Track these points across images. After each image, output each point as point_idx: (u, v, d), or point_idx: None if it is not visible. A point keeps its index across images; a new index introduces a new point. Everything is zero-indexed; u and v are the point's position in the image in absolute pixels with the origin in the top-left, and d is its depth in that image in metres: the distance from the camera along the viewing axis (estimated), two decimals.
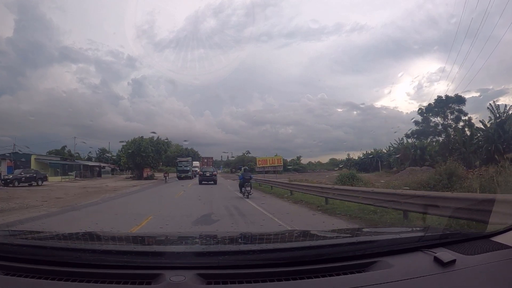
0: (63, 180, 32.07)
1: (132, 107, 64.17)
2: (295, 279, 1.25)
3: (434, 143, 33.24)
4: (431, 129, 32.40)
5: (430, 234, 1.70)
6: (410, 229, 2.16)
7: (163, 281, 1.20)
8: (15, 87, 61.10)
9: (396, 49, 70.73)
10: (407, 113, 62.35)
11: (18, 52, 60.23)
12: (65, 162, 38.62)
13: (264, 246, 1.64)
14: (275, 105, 78.10)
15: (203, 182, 24.17)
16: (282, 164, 33.63)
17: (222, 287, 1.21)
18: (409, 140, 35.52)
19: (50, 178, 29.50)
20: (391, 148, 40.68)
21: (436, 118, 32.46)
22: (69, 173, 36.93)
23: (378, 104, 77.61)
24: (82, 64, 70.33)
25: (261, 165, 32.34)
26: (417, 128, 34.03)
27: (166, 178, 30.15)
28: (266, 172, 32.71)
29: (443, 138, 31.28)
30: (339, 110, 70.51)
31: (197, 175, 34.32)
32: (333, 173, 41.65)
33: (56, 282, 1.23)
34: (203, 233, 2.85)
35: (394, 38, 67.92)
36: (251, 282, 1.23)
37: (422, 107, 33.71)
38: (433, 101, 32.33)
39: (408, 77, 71.25)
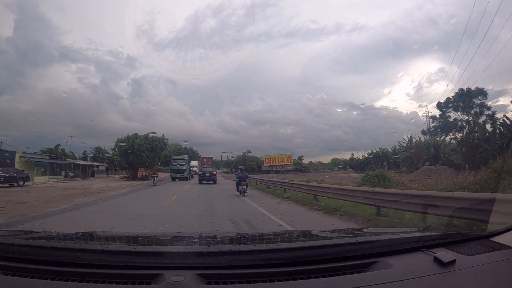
0: (51, 180, 29.56)
1: (132, 107, 64.21)
2: (295, 279, 1.25)
3: (451, 140, 30.37)
4: (451, 125, 28.97)
5: (430, 234, 1.70)
6: (410, 229, 2.16)
7: (163, 281, 1.20)
8: (15, 86, 61.10)
9: (396, 49, 70.93)
10: (406, 113, 62.41)
11: (17, 52, 60.28)
12: (54, 161, 35.49)
13: (264, 246, 1.64)
14: (274, 105, 78.50)
15: (202, 182, 24.95)
16: (292, 162, 30.22)
17: (222, 287, 1.21)
18: (423, 138, 32.90)
19: (36, 178, 27.74)
20: (399, 147, 38.65)
21: (456, 113, 29.08)
22: (66, 173, 35.07)
23: (377, 104, 77.65)
24: (81, 63, 70.30)
25: (268, 164, 28.61)
26: (435, 124, 31.17)
27: (154, 180, 24.17)
28: (276, 172, 29.43)
29: (462, 134, 27.62)
30: (339, 110, 70.63)
31: (196, 176, 33.32)
32: (338, 173, 41.24)
33: (56, 282, 1.23)
34: (203, 233, 2.85)
35: (394, 38, 68.09)
36: (251, 282, 1.23)
37: (441, 101, 30.36)
38: (453, 94, 29.16)
39: (408, 77, 71.43)
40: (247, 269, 1.31)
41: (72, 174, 36.50)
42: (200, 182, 24.88)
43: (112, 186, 21.57)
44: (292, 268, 1.30)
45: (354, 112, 66.66)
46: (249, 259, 1.39)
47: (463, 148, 25.01)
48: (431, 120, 32.27)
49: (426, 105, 60.33)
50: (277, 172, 29.97)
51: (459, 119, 28.76)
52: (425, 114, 37.56)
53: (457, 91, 28.58)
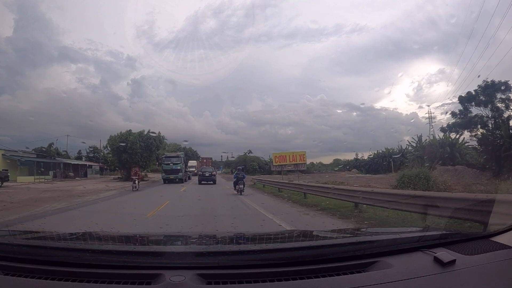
0: (37, 180, 27.18)
1: (132, 107, 63.68)
2: (295, 279, 1.25)
3: (463, 139, 28.24)
4: (476, 120, 25.35)
5: (430, 234, 1.70)
6: (410, 229, 2.16)
7: (163, 281, 1.20)
8: (14, 86, 61.16)
9: (395, 50, 70.95)
10: (406, 114, 62.61)
11: (17, 52, 60.09)
12: (42, 159, 32.56)
13: (264, 246, 1.63)
14: (274, 106, 78.46)
15: (202, 182, 25.15)
16: (305, 161, 26.12)
17: (222, 287, 1.21)
18: (437, 136, 30.54)
19: (20, 178, 25.86)
20: (407, 146, 37.05)
21: (479, 108, 25.50)
22: (55, 173, 32.97)
23: (377, 105, 77.48)
24: (81, 64, 69.95)
25: (278, 163, 24.60)
26: (455, 120, 27.37)
27: (135, 183, 17.71)
28: (278, 172, 26.59)
29: (483, 132, 24.61)
30: (339, 111, 70.51)
31: (193, 177, 32.05)
32: (343, 173, 40.43)
33: (56, 282, 1.23)
34: (203, 233, 2.85)
35: (393, 39, 68.12)
36: (251, 282, 1.23)
37: (462, 95, 26.53)
38: (476, 87, 25.44)
39: (408, 79, 71.60)
40: (247, 269, 1.31)
41: (73, 174, 35.42)
42: (200, 182, 25.16)
43: (98, 188, 19.40)
44: (292, 268, 1.30)
45: (354, 113, 66.74)
46: (249, 259, 1.39)
47: (483, 146, 22.85)
48: (451, 115, 28.56)
49: (429, 106, 60.26)
50: (279, 173, 27.31)
51: (480, 115, 25.52)
52: (427, 115, 36.68)
53: (480, 83, 25.05)
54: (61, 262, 1.33)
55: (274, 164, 25.33)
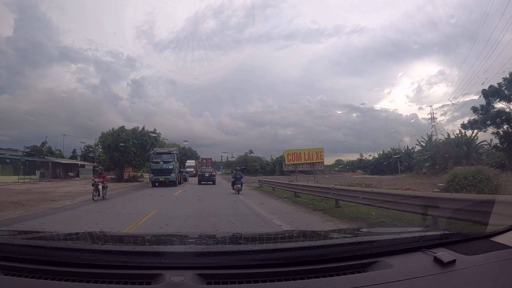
0: (21, 180, 25.40)
1: (132, 107, 63.39)
2: (295, 279, 1.25)
3: (476, 138, 26.81)
4: (502, 115, 22.42)
5: (430, 234, 1.71)
6: (410, 229, 2.16)
7: (163, 281, 1.20)
8: (14, 86, 61.04)
9: (395, 51, 71.20)
10: (406, 115, 62.81)
11: (17, 52, 60.00)
12: (28, 158, 30.41)
13: (264, 246, 1.63)
14: (274, 107, 78.52)
15: (202, 182, 25.39)
16: (323, 160, 22.38)
17: (222, 287, 1.21)
18: (452, 133, 28.74)
19: (2, 178, 24.18)
20: (416, 146, 36.17)
21: (503, 103, 22.62)
22: (42, 173, 31.15)
23: (377, 106, 77.48)
24: (81, 64, 69.86)
25: (291, 162, 21.45)
26: (476, 117, 24.55)
27: (98, 189, 12.57)
28: (281, 173, 24.31)
29: (504, 129, 22.49)
30: (339, 112, 70.59)
31: (191, 178, 31.05)
32: (348, 174, 39.34)
33: (56, 282, 1.23)
34: (203, 233, 2.85)
35: (393, 40, 68.34)
36: (251, 282, 1.23)
37: (485, 89, 23.21)
38: (501, 80, 22.26)
39: (408, 79, 71.86)
40: (247, 269, 1.31)
41: (65, 173, 33.96)
42: (199, 183, 25.44)
43: (82, 190, 16.55)
44: (292, 268, 1.30)
45: (354, 114, 66.88)
46: (249, 259, 1.39)
47: (506, 144, 20.89)
48: (472, 110, 25.12)
49: (431, 106, 60.08)
50: (282, 173, 25.15)
51: (503, 110, 22.63)
52: (427, 116, 36.34)
53: (506, 76, 22.05)
54: (61, 262, 1.33)
55: (287, 163, 21.87)
